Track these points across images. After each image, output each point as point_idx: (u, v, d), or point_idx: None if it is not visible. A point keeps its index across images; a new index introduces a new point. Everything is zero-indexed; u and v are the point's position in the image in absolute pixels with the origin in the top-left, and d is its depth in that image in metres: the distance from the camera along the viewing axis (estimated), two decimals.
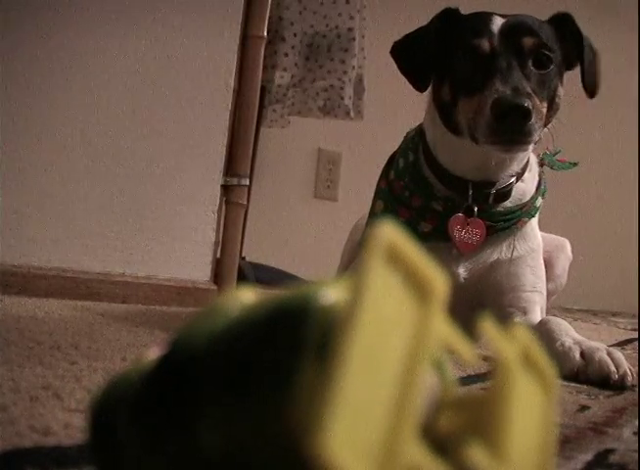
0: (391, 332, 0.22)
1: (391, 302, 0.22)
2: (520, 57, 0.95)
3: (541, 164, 1.12)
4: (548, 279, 1.13)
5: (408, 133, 1.16)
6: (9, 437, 0.42)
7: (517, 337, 0.26)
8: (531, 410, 0.26)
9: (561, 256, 1.34)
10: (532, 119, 0.89)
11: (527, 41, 0.96)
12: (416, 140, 1.10)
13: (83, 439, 0.43)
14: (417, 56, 1.05)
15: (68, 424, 0.45)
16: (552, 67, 0.97)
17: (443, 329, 0.23)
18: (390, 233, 0.22)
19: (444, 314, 0.23)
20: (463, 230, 1.02)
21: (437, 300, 0.23)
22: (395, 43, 1.09)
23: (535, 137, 0.92)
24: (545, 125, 1.00)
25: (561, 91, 1.01)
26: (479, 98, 0.93)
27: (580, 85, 1.03)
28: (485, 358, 0.99)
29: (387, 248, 0.21)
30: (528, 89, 0.92)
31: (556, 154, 1.13)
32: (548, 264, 1.22)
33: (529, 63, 0.96)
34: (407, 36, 1.08)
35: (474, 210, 1.02)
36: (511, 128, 0.90)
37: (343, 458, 0.19)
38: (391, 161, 1.15)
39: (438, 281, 0.23)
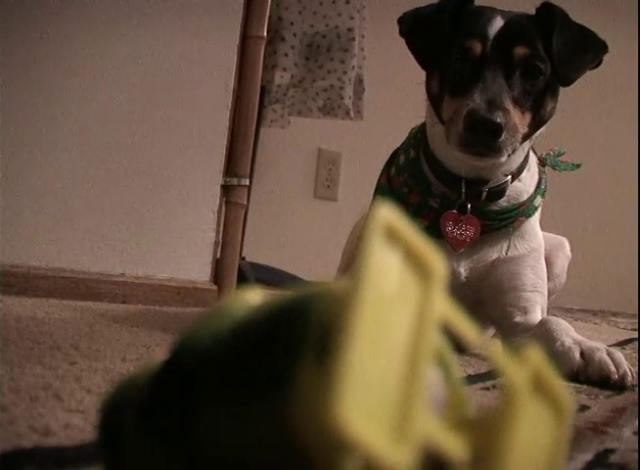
0: (395, 307, 0.22)
1: (393, 278, 0.22)
2: (508, 66, 0.94)
3: (543, 165, 1.12)
4: (547, 278, 1.13)
5: (412, 129, 1.16)
6: (9, 437, 0.42)
7: (528, 361, 0.25)
8: (540, 437, 0.25)
9: (560, 254, 1.34)
10: (503, 137, 0.90)
11: (519, 51, 0.95)
12: (418, 136, 1.10)
13: (87, 439, 0.43)
14: (429, 36, 1.03)
15: (67, 424, 0.45)
16: (541, 78, 0.96)
17: (445, 307, 0.23)
18: (389, 214, 0.22)
19: (445, 293, 0.23)
20: (455, 227, 1.02)
21: (438, 278, 0.23)
22: (405, 14, 1.07)
23: (505, 153, 0.93)
24: (528, 136, 1.00)
25: (550, 104, 0.99)
26: (458, 102, 0.94)
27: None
28: (485, 358, 0.99)
29: (386, 228, 0.22)
30: (507, 103, 0.91)
31: (560, 155, 1.13)
32: (547, 263, 1.22)
33: (517, 73, 0.95)
34: (418, 10, 1.06)
35: (467, 207, 1.02)
36: (480, 142, 0.91)
37: (360, 429, 0.19)
38: (394, 156, 1.15)
39: (437, 260, 0.23)
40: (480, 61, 0.95)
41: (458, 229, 1.02)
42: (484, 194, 1.03)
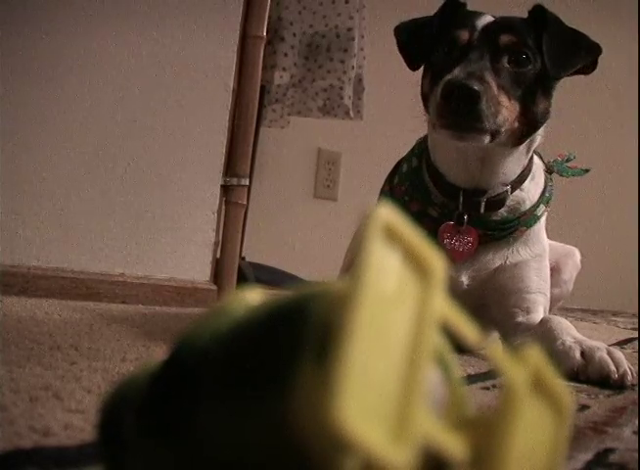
0: (394, 307, 0.22)
1: (392, 278, 0.22)
2: (495, 52, 0.95)
3: (550, 172, 1.11)
4: (555, 285, 1.14)
5: (418, 139, 1.16)
6: (9, 437, 0.42)
7: (528, 360, 0.25)
8: (539, 437, 0.25)
9: (569, 262, 1.35)
10: (482, 105, 0.88)
11: (504, 38, 0.96)
12: (422, 146, 1.11)
13: (87, 439, 0.43)
14: (415, 38, 1.06)
15: (67, 424, 0.45)
16: (529, 67, 0.96)
17: (445, 307, 0.23)
18: (388, 214, 0.22)
19: (445, 293, 0.23)
20: (453, 238, 1.01)
21: (437, 278, 0.23)
22: (400, 23, 1.10)
23: (487, 125, 0.90)
24: (523, 135, 0.99)
25: (542, 102, 0.99)
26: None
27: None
28: (485, 358, 0.99)
29: (385, 227, 0.22)
30: (487, 77, 0.91)
31: (569, 160, 1.12)
32: (556, 270, 1.23)
33: (504, 59, 0.95)
34: (413, 20, 1.09)
35: (464, 217, 1.02)
36: (458, 110, 0.89)
37: (360, 429, 0.19)
38: (398, 166, 1.15)
39: (437, 260, 0.23)
40: (466, 47, 0.96)
41: (456, 241, 1.01)
42: (483, 204, 1.02)
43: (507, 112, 0.93)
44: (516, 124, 0.96)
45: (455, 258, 1.01)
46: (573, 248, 1.38)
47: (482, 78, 0.90)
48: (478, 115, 0.89)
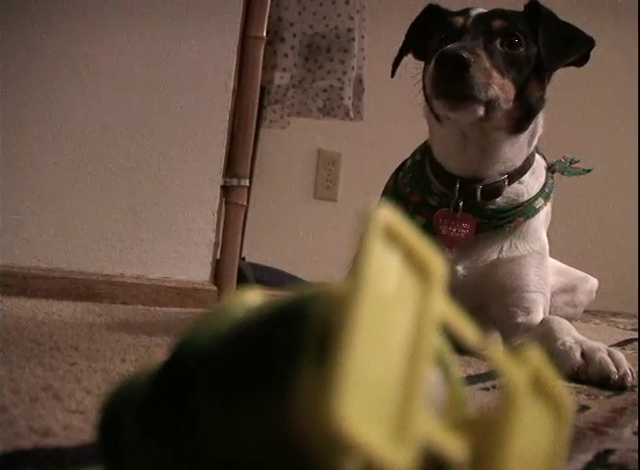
0: (394, 308, 0.22)
1: (392, 279, 0.22)
2: (488, 35, 0.98)
3: (552, 171, 1.13)
4: (571, 304, 1.17)
5: (424, 141, 1.18)
6: (9, 438, 0.42)
7: (528, 361, 0.25)
8: (539, 437, 0.25)
9: (586, 286, 1.42)
10: (473, 72, 0.90)
11: (497, 23, 0.99)
12: (428, 144, 1.13)
13: (87, 440, 0.43)
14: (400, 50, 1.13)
15: (67, 425, 0.45)
16: (522, 49, 0.98)
17: (445, 307, 0.23)
18: (388, 215, 0.22)
19: (445, 293, 0.23)
20: (449, 224, 1.03)
21: (437, 279, 0.23)
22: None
23: (477, 93, 0.92)
24: (523, 120, 1.01)
25: (535, 89, 1.01)
26: None
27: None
28: (485, 358, 0.99)
29: (385, 228, 0.22)
30: (478, 51, 0.93)
31: (572, 162, 1.13)
32: (571, 291, 1.27)
33: (497, 42, 0.98)
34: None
35: (459, 204, 1.03)
36: (450, 77, 0.91)
37: (360, 429, 0.19)
38: (404, 164, 1.17)
39: (437, 261, 0.23)
40: (461, 30, 0.99)
41: (452, 227, 1.03)
42: (479, 192, 1.03)
43: (499, 87, 0.95)
44: (511, 106, 0.98)
45: (451, 244, 1.02)
46: (592, 277, 1.43)
47: (473, 50, 0.93)
48: (468, 82, 0.91)
